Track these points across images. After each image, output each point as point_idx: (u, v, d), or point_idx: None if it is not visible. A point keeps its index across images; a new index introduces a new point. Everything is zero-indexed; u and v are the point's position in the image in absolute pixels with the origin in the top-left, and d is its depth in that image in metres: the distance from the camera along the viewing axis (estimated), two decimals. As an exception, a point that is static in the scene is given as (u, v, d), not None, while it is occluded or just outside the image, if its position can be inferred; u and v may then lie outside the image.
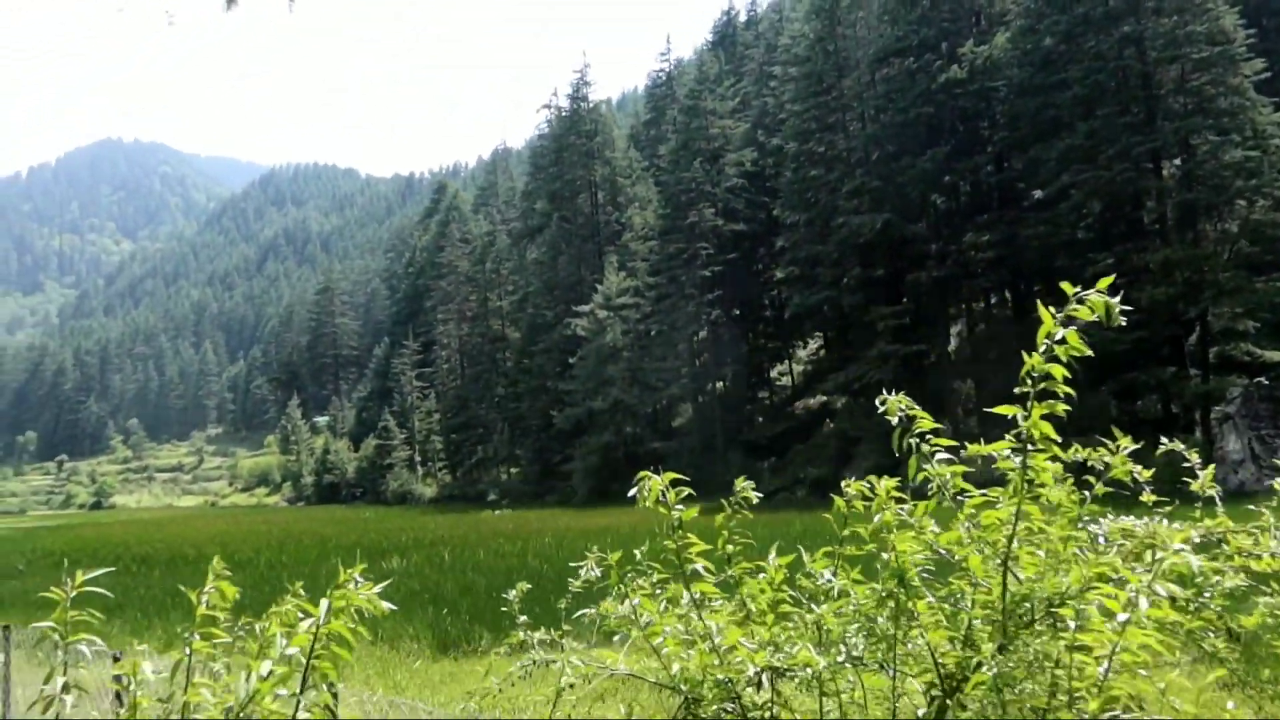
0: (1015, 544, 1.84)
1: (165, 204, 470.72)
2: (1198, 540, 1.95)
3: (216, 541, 39.00)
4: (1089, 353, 1.91)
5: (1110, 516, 2.04)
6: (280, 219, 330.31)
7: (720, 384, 62.89)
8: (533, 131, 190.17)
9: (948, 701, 1.76)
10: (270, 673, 1.42)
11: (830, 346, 60.60)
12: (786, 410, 61.27)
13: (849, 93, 52.45)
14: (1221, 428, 34.23)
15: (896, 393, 2.11)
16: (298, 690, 1.37)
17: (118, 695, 7.26)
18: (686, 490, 1.99)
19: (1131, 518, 2.03)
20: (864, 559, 2.12)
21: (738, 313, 65.85)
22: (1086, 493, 2.02)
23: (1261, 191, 38.02)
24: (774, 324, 65.45)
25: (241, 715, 1.44)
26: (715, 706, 1.81)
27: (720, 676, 1.85)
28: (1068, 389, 1.94)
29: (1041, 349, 1.94)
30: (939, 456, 2.06)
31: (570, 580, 2.59)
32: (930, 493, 2.05)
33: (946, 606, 1.95)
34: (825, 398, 57.03)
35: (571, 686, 1.95)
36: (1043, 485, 1.92)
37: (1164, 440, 2.41)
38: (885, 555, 1.99)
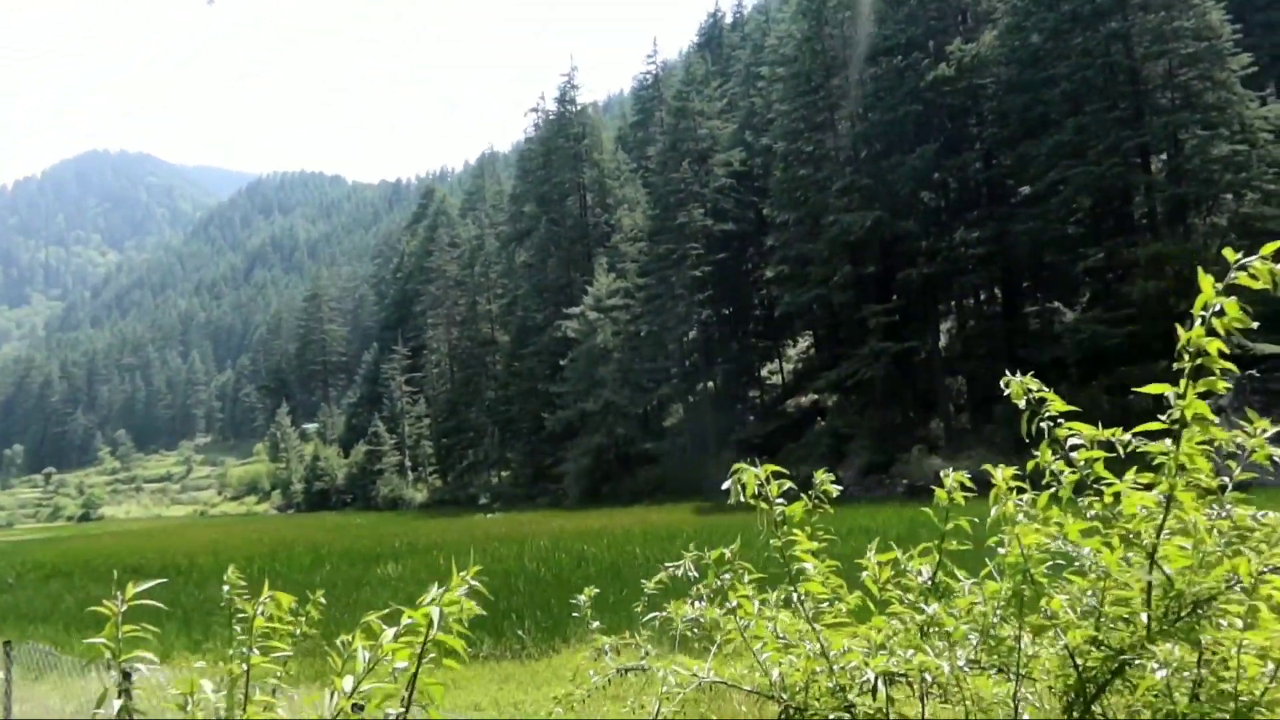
0: (1163, 535, 1.72)
1: (152, 214, 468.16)
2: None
3: (208, 551, 38.65)
4: (1253, 325, 1.78)
5: (1230, 506, 1.92)
6: (267, 227, 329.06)
7: (711, 384, 62.82)
8: (520, 135, 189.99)
9: (1093, 707, 1.63)
10: (352, 691, 1.29)
11: (820, 345, 60.59)
12: (778, 409, 61.21)
13: (837, 92, 52.46)
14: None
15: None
16: (403, 711, 1.23)
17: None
18: (787, 483, 1.86)
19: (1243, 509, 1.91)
20: (964, 556, 2.00)
21: (728, 312, 65.85)
22: (1226, 479, 1.90)
23: (1250, 185, 38.18)
24: (764, 323, 65.43)
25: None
26: (830, 715, 1.68)
27: (831, 683, 1.72)
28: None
29: (1198, 320, 1.80)
30: (1073, 442, 1.93)
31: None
32: (1058, 482, 1.92)
33: (1081, 602, 1.82)
34: (816, 396, 57.02)
35: (668, 697, 1.81)
36: (1197, 470, 1.80)
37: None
38: (999, 551, 1.87)
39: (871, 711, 1.64)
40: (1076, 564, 1.83)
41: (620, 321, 60.69)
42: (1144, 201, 41.39)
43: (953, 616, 1.84)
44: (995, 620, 1.81)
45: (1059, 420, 1.98)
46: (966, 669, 1.70)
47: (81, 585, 28.03)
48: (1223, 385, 1.81)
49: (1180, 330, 1.80)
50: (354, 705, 1.29)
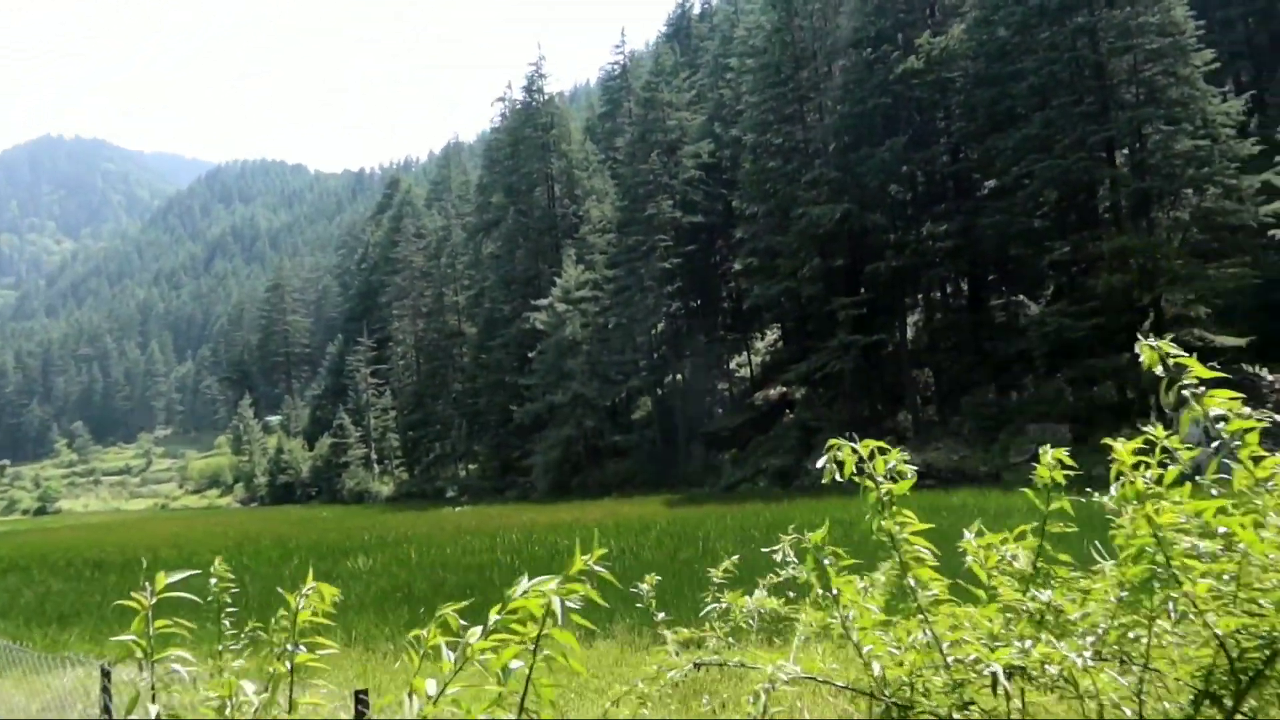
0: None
1: (108, 201, 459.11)
2: None
3: (171, 544, 37.94)
4: None
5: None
6: (228, 216, 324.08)
7: (679, 376, 62.80)
8: (485, 125, 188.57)
9: (1246, 698, 1.52)
10: (438, 695, 1.13)
11: (789, 337, 60.75)
12: (746, 401, 61.35)
13: (807, 84, 52.52)
14: (1177, 412, 34.81)
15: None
16: (517, 717, 1.08)
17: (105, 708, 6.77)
18: (901, 457, 1.72)
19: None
20: (1067, 539, 1.87)
21: (696, 305, 65.84)
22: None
23: (1211, 180, 38.71)
24: (732, 315, 65.52)
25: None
26: (946, 712, 1.55)
27: (943, 678, 1.59)
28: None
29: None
30: (1216, 413, 1.81)
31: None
32: (1171, 459, 1.81)
33: (1226, 588, 1.70)
34: (785, 388, 57.21)
35: (768, 696, 1.67)
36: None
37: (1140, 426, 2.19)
38: (1112, 532, 1.75)
39: (989, 711, 1.51)
40: (1199, 547, 1.72)
41: (589, 313, 60.45)
42: (1108, 195, 41.85)
43: (1072, 603, 1.72)
44: (1116, 607, 1.69)
45: (1199, 388, 1.86)
46: (1092, 661, 1.58)
47: (41, 580, 27.37)
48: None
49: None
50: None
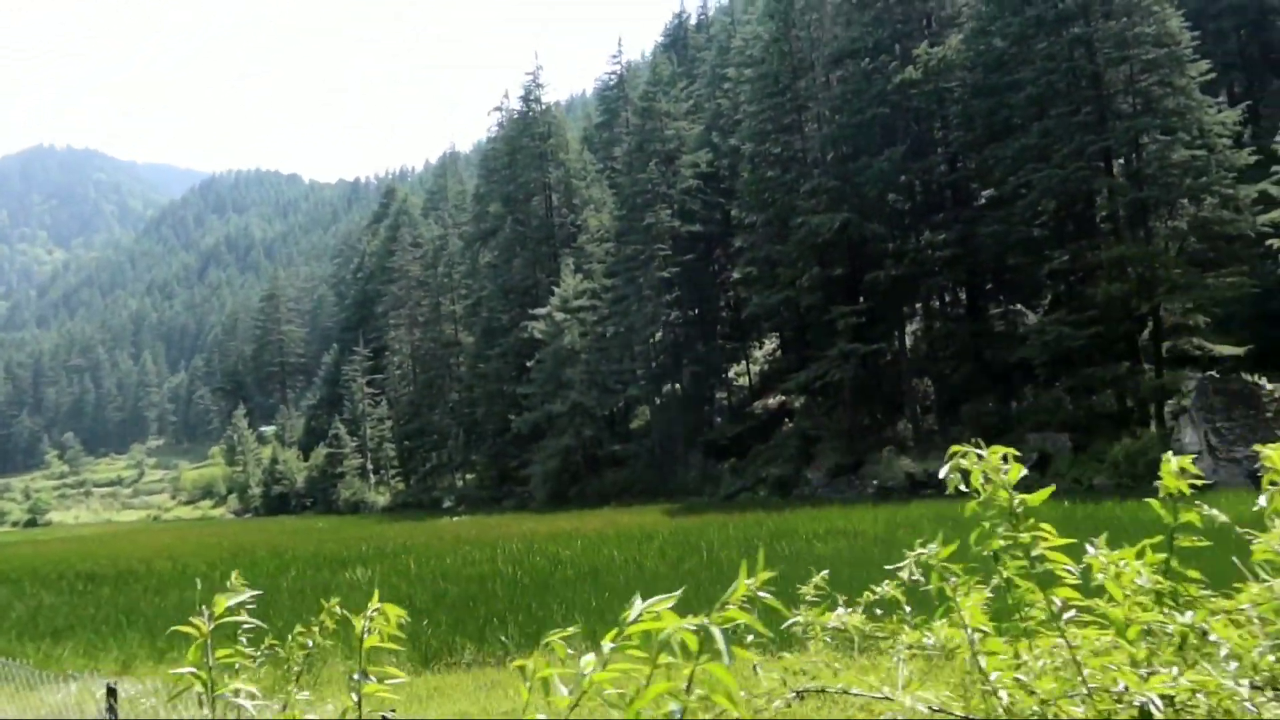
0: None
1: (100, 211, 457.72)
2: None
3: (165, 556, 37.63)
4: None
5: None
6: (222, 226, 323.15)
7: (678, 385, 62.67)
8: (482, 134, 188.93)
9: None
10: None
11: (788, 346, 60.70)
12: (745, 410, 61.25)
13: (805, 94, 52.59)
14: (1178, 421, 34.80)
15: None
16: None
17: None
18: (1021, 469, 1.59)
19: None
20: (1197, 554, 1.75)
21: (695, 314, 65.74)
22: None
23: (1208, 189, 38.78)
24: (731, 324, 65.43)
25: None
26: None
27: (1081, 708, 1.46)
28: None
29: None
30: None
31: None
32: None
33: None
34: (784, 397, 57.14)
35: None
36: None
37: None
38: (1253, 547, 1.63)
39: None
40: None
41: (587, 323, 60.33)
42: (1106, 205, 41.91)
43: (1224, 626, 1.59)
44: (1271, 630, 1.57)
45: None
46: (1248, 692, 1.45)
47: (33, 593, 27.06)
48: None
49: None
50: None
